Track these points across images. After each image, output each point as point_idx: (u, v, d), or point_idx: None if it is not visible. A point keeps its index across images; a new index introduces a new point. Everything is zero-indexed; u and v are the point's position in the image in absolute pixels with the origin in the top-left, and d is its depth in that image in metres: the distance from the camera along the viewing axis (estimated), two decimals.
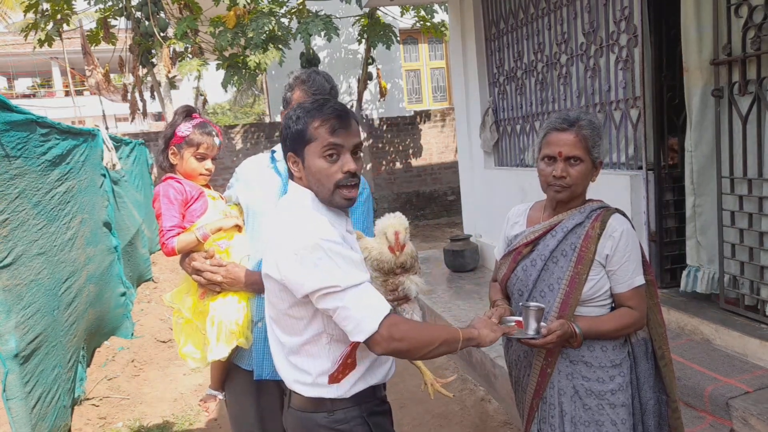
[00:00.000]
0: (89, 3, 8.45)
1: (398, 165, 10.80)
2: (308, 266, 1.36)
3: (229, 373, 1.97)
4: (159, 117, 21.40)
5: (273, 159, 1.94)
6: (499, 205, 5.00)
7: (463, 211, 6.19)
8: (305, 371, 1.48)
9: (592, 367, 1.74)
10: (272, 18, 7.43)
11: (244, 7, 7.33)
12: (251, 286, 1.80)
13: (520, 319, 1.65)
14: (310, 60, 8.68)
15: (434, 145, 10.96)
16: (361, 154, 1.51)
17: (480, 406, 3.42)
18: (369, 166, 10.51)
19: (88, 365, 4.14)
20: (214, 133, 1.99)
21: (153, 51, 8.49)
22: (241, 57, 7.81)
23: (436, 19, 9.12)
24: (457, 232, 7.42)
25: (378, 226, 1.68)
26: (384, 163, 10.69)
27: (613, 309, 1.78)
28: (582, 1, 3.98)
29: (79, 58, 11.79)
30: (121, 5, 8.39)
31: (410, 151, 10.84)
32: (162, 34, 7.99)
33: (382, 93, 10.33)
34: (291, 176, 1.54)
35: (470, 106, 5.79)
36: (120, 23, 9.09)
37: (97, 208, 4.73)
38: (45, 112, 6.59)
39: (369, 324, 1.34)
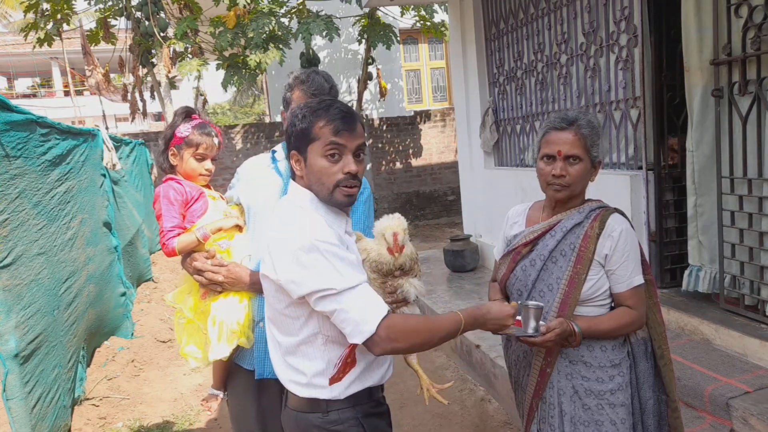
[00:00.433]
0: (89, 3, 8.45)
1: (398, 165, 10.79)
2: (304, 268, 1.36)
3: (231, 373, 1.98)
4: (159, 117, 21.44)
5: (274, 159, 1.95)
6: (499, 205, 5.00)
7: (463, 211, 6.19)
8: (301, 371, 1.49)
9: (591, 366, 1.75)
10: (272, 18, 7.43)
11: (244, 7, 7.33)
12: (254, 285, 1.80)
13: (519, 318, 1.65)
14: (310, 60, 8.68)
15: (434, 145, 10.95)
16: (364, 157, 1.51)
17: (480, 406, 3.42)
18: (369, 166, 10.51)
19: (88, 365, 4.14)
20: (213, 133, 2.00)
21: (153, 51, 8.49)
22: (241, 57, 7.81)
23: (436, 19, 9.11)
24: (457, 232, 7.42)
25: (377, 227, 1.67)
26: (384, 163, 10.69)
27: (612, 309, 1.78)
28: (582, 1, 3.98)
29: (79, 58, 11.81)
30: (121, 5, 8.39)
31: (410, 151, 10.84)
32: (162, 34, 7.98)
33: (382, 93, 10.33)
34: (293, 176, 1.54)
35: (470, 106, 5.79)
36: (120, 23, 9.09)
37: (97, 208, 4.73)
38: (45, 112, 6.59)
39: (367, 326, 1.34)
